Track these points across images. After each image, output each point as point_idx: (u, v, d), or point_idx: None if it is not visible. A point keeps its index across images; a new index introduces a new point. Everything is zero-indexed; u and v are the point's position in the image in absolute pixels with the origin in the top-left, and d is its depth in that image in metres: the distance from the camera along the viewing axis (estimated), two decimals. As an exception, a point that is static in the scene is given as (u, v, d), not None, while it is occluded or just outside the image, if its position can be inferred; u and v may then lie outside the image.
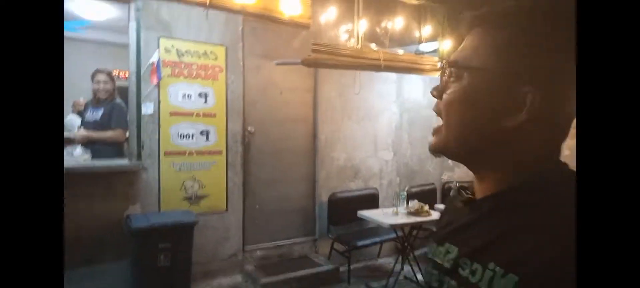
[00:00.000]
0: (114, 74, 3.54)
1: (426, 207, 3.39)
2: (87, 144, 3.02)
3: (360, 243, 3.54)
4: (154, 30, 3.14)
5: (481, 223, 0.52)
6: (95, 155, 2.97)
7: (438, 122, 0.58)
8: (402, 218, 3.26)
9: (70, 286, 2.75)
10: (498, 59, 0.50)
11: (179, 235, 2.86)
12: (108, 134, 3.13)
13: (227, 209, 3.43)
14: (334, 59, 2.74)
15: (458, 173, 5.00)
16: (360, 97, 4.21)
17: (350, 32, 3.19)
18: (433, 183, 4.70)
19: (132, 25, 3.06)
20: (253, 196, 3.61)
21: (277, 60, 3.66)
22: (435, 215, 3.47)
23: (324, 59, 2.68)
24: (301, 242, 3.84)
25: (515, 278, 0.43)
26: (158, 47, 3.15)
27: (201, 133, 3.33)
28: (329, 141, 4.01)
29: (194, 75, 3.30)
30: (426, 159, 4.75)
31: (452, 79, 0.54)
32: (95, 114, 3.19)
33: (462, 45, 0.55)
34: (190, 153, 3.28)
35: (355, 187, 4.13)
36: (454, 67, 0.53)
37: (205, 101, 3.35)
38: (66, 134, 3.42)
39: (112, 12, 4.37)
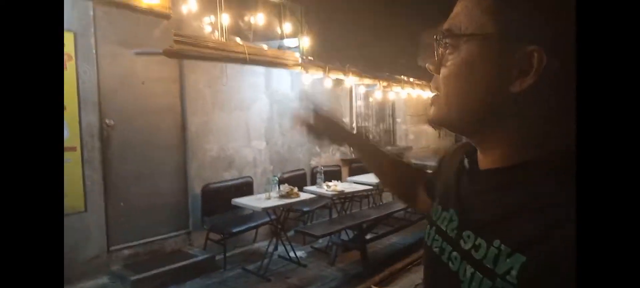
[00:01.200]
0: None
1: (295, 190, 3.68)
2: None
3: (235, 229, 3.64)
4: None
5: (486, 197, 0.50)
6: None
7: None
8: (274, 202, 3.48)
9: None
10: (495, 20, 0.46)
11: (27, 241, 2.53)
12: None
13: (85, 209, 3.15)
14: (198, 50, 2.78)
15: (324, 158, 5.49)
16: (231, 88, 4.29)
17: (214, 24, 3.25)
18: (303, 169, 5.07)
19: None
20: (116, 193, 3.38)
21: (136, 49, 3.49)
22: (304, 196, 3.80)
23: (187, 50, 2.70)
24: (173, 236, 3.76)
25: (522, 258, 0.41)
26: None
27: (48, 127, 2.98)
28: (200, 132, 3.99)
29: (34, 62, 2.93)
30: (296, 147, 5.09)
31: (448, 50, 0.50)
32: None
33: (454, 11, 0.50)
34: (35, 151, 2.91)
35: (229, 177, 4.20)
36: (448, 36, 0.49)
37: (52, 92, 3.01)
38: None
39: None
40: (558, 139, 0.45)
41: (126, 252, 3.39)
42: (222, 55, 2.97)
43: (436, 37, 0.51)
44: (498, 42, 0.46)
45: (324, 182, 4.24)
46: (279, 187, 3.69)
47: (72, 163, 3.10)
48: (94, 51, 3.26)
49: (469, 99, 0.49)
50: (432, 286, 0.58)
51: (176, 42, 2.66)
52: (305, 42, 3.74)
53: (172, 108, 3.84)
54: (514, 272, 0.41)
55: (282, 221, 3.70)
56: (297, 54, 3.80)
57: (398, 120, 6.91)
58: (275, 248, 3.83)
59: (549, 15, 0.43)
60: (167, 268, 3.24)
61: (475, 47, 0.48)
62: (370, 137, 6.42)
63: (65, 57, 3.09)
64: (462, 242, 0.50)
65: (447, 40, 0.50)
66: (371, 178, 4.65)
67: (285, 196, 3.59)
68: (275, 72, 4.80)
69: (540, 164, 0.45)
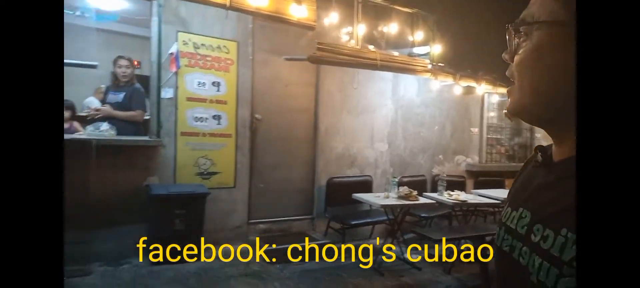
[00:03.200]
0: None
1: (415, 193, 3.74)
2: (110, 121, 3.42)
3: (354, 221, 3.90)
4: (172, 25, 3.56)
5: (557, 188, 0.50)
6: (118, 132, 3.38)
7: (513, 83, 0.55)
8: (392, 201, 3.62)
9: (96, 244, 3.15)
10: (566, 7, 0.46)
11: (193, 203, 3.25)
12: (130, 113, 3.54)
13: (234, 185, 3.82)
14: (336, 57, 3.14)
15: (448, 167, 5.36)
16: (359, 93, 4.60)
17: (351, 34, 3.58)
18: (423, 175, 5.06)
19: (154, 20, 3.47)
20: (258, 176, 4.00)
21: (285, 55, 4.07)
22: (423, 200, 3.83)
23: (327, 56, 3.08)
24: (300, 219, 4.22)
25: None
26: (176, 39, 3.56)
27: (214, 117, 3.73)
28: (329, 131, 4.39)
29: (208, 66, 3.71)
30: (418, 152, 5.12)
31: (522, 39, 0.52)
32: (117, 96, 3.59)
33: (530, 2, 0.52)
34: (204, 135, 3.68)
35: (351, 173, 4.50)
36: (522, 25, 0.51)
37: (218, 89, 3.76)
38: (87, 111, 3.82)
39: (132, 7, 4.81)
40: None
41: (261, 226, 3.97)
42: (356, 60, 3.27)
43: (509, 26, 0.52)
44: (570, 27, 0.44)
45: (446, 190, 4.18)
46: (399, 188, 3.81)
47: (228, 147, 3.80)
48: (250, 57, 3.93)
49: (542, 86, 0.49)
50: (503, 283, 0.59)
51: (319, 49, 3.05)
52: (437, 49, 3.78)
53: (307, 109, 4.33)
54: None
55: (399, 222, 3.81)
56: (427, 61, 3.88)
57: (537, 135, 6.26)
58: (390, 247, 3.95)
59: None
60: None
61: (547, 34, 0.48)
62: (502, 151, 5.98)
63: (229, 62, 3.81)
64: (532, 236, 0.50)
65: (521, 29, 0.51)
66: (500, 193, 4.38)
67: (404, 197, 3.69)
68: (403, 79, 4.94)
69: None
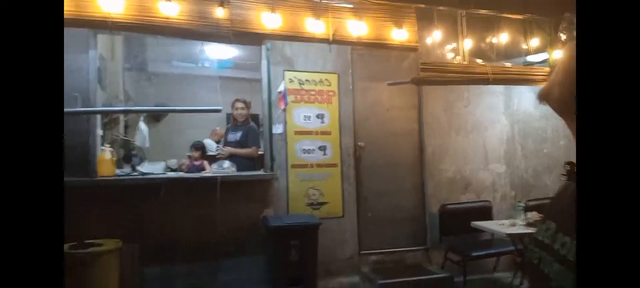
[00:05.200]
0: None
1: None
2: (231, 158, 3.73)
3: (475, 253, 3.55)
4: (280, 65, 3.80)
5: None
6: (237, 168, 3.66)
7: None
8: (520, 229, 3.21)
9: (222, 274, 3.38)
10: None
11: (307, 234, 3.30)
12: (247, 150, 3.82)
13: (343, 215, 3.81)
14: (442, 76, 2.99)
15: (584, 187, 4.62)
16: (467, 111, 4.30)
17: (456, 50, 3.41)
18: (550, 197, 4.43)
19: (264, 63, 3.76)
20: (365, 204, 3.93)
21: (388, 80, 4.04)
22: (556, 223, 3.32)
23: (432, 76, 2.95)
24: (413, 250, 3.99)
25: None
26: (284, 78, 3.79)
27: (320, 148, 3.82)
28: (436, 154, 4.16)
29: (312, 99, 3.86)
30: (543, 172, 4.53)
31: (565, 34, 0.65)
32: (235, 135, 3.93)
33: None
34: (312, 166, 3.78)
35: (466, 199, 4.16)
36: (566, 21, 0.61)
37: (322, 121, 3.86)
38: (212, 153, 4.24)
39: (244, 53, 5.31)
40: None
41: (373, 257, 3.85)
42: (465, 77, 3.08)
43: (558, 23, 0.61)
44: None
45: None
46: (526, 214, 3.38)
47: (334, 177, 3.84)
48: (351, 87, 3.98)
49: (573, 78, 0.52)
50: None
51: (423, 70, 2.95)
52: (557, 54, 3.37)
53: (411, 132, 4.19)
54: None
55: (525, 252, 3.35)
56: (547, 68, 3.47)
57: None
58: (521, 282, 3.48)
59: None
60: (409, 279, 3.48)
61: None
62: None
63: (331, 93, 3.91)
64: (555, 245, 0.53)
65: (564, 24, 0.61)
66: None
67: (533, 225, 3.24)
68: (516, 91, 4.50)
69: None
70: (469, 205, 4.05)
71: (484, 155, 4.32)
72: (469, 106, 4.26)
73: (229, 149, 3.82)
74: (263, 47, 3.75)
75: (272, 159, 3.66)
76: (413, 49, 3.09)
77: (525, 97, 4.55)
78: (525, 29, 3.37)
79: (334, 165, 3.85)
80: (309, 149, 3.79)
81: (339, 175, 3.85)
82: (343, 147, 3.88)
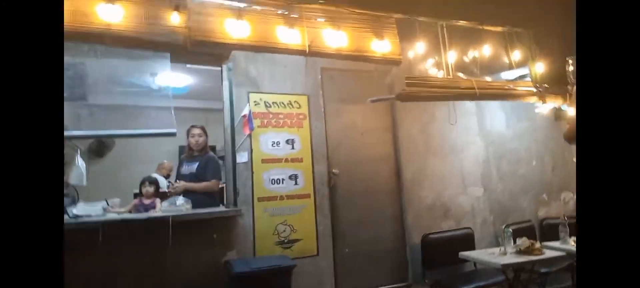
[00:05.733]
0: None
1: (538, 244, 3.05)
2: (185, 194, 3.17)
3: (462, 287, 3.24)
4: (244, 86, 3.38)
5: None
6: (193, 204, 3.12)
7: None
8: (514, 258, 2.95)
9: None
10: None
11: (278, 279, 2.83)
12: (205, 184, 3.29)
13: (318, 253, 3.37)
14: (428, 91, 2.73)
15: (555, 208, 4.55)
16: (443, 133, 4.10)
17: (438, 64, 3.18)
18: (530, 220, 4.29)
19: (225, 85, 3.31)
20: (342, 239, 3.53)
21: (364, 100, 3.74)
22: (549, 253, 3.11)
23: (417, 92, 2.68)
24: (394, 287, 3.62)
25: None
26: (248, 101, 3.36)
27: (290, 177, 3.39)
28: (415, 179, 3.88)
29: (281, 124, 3.45)
30: (518, 194, 4.40)
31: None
32: (191, 167, 3.40)
33: None
34: (281, 198, 3.33)
35: (446, 226, 3.88)
36: None
37: (292, 147, 3.45)
38: (162, 189, 3.66)
39: (198, 80, 4.82)
40: None
41: (352, 299, 3.42)
42: (451, 92, 2.85)
43: (569, 60, 0.58)
44: None
45: (570, 236, 3.41)
46: (515, 241, 3.14)
47: (307, 209, 3.41)
48: (322, 109, 3.63)
49: None
50: None
51: (408, 85, 2.68)
52: (539, 68, 3.24)
53: (387, 156, 3.89)
54: None
55: (523, 282, 3.10)
56: (530, 83, 3.34)
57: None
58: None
59: None
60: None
61: None
62: None
63: (301, 116, 3.53)
64: None
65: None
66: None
67: (525, 252, 3.01)
68: (488, 110, 4.39)
69: None
70: (451, 233, 3.78)
71: (461, 179, 4.11)
72: (442, 125, 4.06)
73: (183, 184, 3.27)
74: (224, 66, 3.31)
75: (236, 193, 3.17)
76: (396, 62, 2.82)
77: (497, 117, 4.45)
78: (506, 43, 3.23)
79: (307, 196, 3.43)
80: (278, 179, 3.35)
81: (313, 207, 3.43)
82: (316, 175, 3.49)
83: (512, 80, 3.42)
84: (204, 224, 2.99)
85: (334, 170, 3.60)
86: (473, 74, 3.18)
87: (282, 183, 3.36)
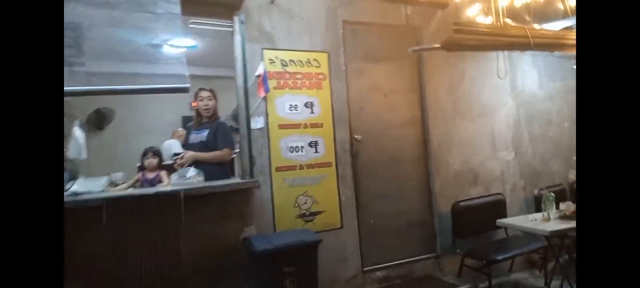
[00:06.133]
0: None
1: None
2: (196, 165, 2.87)
3: (500, 256, 3.01)
4: (257, 42, 3.00)
5: None
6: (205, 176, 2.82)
7: None
8: (560, 224, 2.70)
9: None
10: None
11: (304, 256, 2.58)
12: (217, 154, 2.98)
13: (342, 226, 3.12)
14: (476, 38, 2.36)
15: (588, 172, 4.28)
16: (472, 94, 3.75)
17: (486, 10, 2.78)
18: (561, 184, 4.03)
19: (237, 39, 2.92)
20: (366, 211, 3.26)
21: (384, 59, 3.38)
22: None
23: (466, 39, 2.32)
24: (422, 259, 3.40)
25: None
26: (262, 59, 2.99)
27: (310, 145, 3.08)
28: (442, 144, 3.57)
29: (299, 85, 3.09)
30: (550, 158, 4.11)
31: None
32: (200, 135, 3.06)
33: None
34: (301, 167, 3.03)
35: (476, 193, 3.62)
36: None
37: (312, 111, 3.12)
38: (172, 159, 3.36)
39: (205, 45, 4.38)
40: None
41: (379, 273, 3.21)
42: (502, 41, 2.48)
43: None
44: None
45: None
46: (558, 206, 2.89)
47: (329, 179, 3.12)
48: (343, 68, 3.26)
49: None
50: None
51: (456, 31, 2.31)
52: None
53: (413, 120, 3.56)
54: None
55: (566, 247, 2.88)
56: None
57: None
58: (548, 282, 3.03)
59: None
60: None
61: None
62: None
63: (321, 77, 3.17)
64: None
65: None
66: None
67: (570, 217, 2.75)
68: (521, 70, 4.02)
69: None
70: (481, 200, 3.52)
71: (491, 143, 3.81)
72: (471, 85, 3.71)
73: (192, 153, 2.95)
74: (236, 18, 2.91)
75: (252, 162, 2.87)
76: (442, 5, 2.42)
77: (529, 76, 4.10)
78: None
79: (328, 165, 3.13)
80: (297, 146, 3.04)
81: (335, 177, 3.14)
82: (338, 141, 3.17)
83: (567, 29, 3.03)
84: (219, 198, 2.70)
85: (356, 137, 3.29)
86: (524, 21, 2.79)
87: (302, 151, 3.04)
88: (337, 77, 3.22)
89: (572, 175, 4.19)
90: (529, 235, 3.17)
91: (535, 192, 3.72)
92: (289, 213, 2.95)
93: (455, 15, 2.96)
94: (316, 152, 3.09)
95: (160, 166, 3.42)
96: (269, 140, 2.95)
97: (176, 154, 3.00)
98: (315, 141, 3.10)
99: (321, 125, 3.14)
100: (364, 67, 3.40)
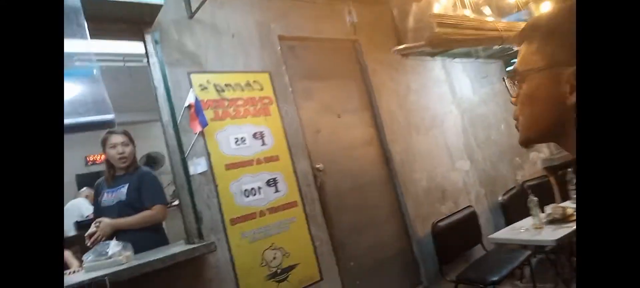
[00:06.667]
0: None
1: (570, 209, 2.63)
2: (118, 236, 2.02)
3: (495, 277, 2.68)
4: (181, 66, 2.36)
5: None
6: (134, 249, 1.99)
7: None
8: (558, 229, 2.47)
9: None
10: (543, 57, 0.61)
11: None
12: (145, 214, 2.15)
13: (321, 277, 2.50)
14: (460, 33, 2.10)
15: (528, 169, 4.38)
16: (420, 105, 3.56)
17: (456, 3, 2.56)
18: (514, 187, 4.01)
19: (154, 63, 2.25)
20: (343, 252, 2.71)
21: (328, 77, 2.98)
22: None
23: (451, 34, 2.03)
24: (412, 296, 2.93)
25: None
26: (191, 85, 2.35)
27: (268, 183, 2.46)
28: (404, 162, 3.25)
29: (242, 113, 2.50)
30: (498, 162, 4.10)
31: (518, 86, 0.65)
32: (117, 193, 2.19)
33: (518, 56, 0.66)
34: (262, 214, 2.38)
35: (447, 210, 3.33)
36: (515, 75, 0.65)
37: (263, 142, 2.53)
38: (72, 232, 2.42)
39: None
40: None
41: (372, 326, 2.62)
42: (480, 35, 2.28)
43: (504, 78, 0.71)
44: (549, 71, 0.59)
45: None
46: (543, 211, 2.71)
47: (297, 223, 2.51)
48: (290, 89, 2.78)
49: (539, 117, 0.63)
50: None
51: (439, 25, 2.01)
52: (545, 7, 2.87)
53: (371, 139, 3.19)
54: None
55: (569, 254, 2.67)
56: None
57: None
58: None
59: (571, 43, 0.54)
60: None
61: (533, 79, 0.62)
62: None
63: (266, 101, 2.63)
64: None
65: (516, 78, 0.65)
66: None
67: (560, 220, 2.57)
68: (456, 76, 4.01)
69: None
70: (457, 216, 3.23)
71: (448, 153, 3.62)
72: (416, 97, 3.53)
73: (110, 221, 2.08)
74: (148, 37, 2.26)
75: (198, 218, 2.13)
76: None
77: (464, 83, 4.11)
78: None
79: (293, 205, 2.53)
80: (252, 188, 2.39)
81: (303, 219, 2.55)
82: (299, 175, 2.61)
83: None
84: (161, 277, 1.89)
85: (318, 166, 2.77)
86: (481, 14, 2.67)
87: (259, 193, 2.41)
88: (284, 100, 2.72)
89: (518, 176, 4.23)
90: (510, 247, 2.96)
91: (500, 199, 3.59)
92: (256, 276, 2.24)
93: (422, 14, 2.73)
94: (276, 191, 2.48)
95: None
96: (216, 185, 2.26)
97: (81, 221, 2.10)
98: (274, 178, 2.50)
99: (277, 158, 2.56)
100: (311, 87, 2.96)
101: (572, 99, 0.56)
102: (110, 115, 1.49)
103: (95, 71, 1.59)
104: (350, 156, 2.99)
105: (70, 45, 1.71)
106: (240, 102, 2.51)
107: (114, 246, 1.85)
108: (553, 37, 0.59)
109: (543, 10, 3.02)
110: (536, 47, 0.61)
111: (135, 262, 1.82)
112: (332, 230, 2.68)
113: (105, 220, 2.05)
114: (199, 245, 1.99)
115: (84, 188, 3.78)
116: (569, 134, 0.58)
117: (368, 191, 3.00)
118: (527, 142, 0.66)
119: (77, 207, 3.09)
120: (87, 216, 3.03)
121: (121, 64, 2.74)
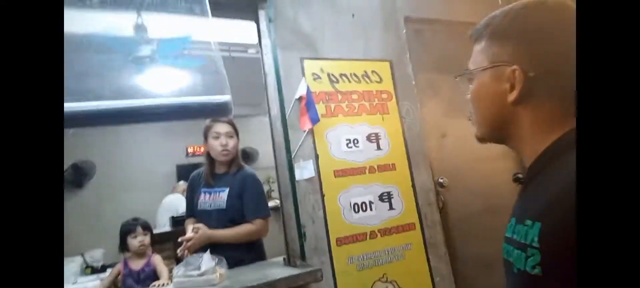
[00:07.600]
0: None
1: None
2: (213, 249, 1.72)
3: None
4: (294, 49, 2.00)
5: (524, 193, 0.64)
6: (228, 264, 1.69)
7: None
8: None
9: None
10: (486, 56, 0.66)
11: None
12: (245, 229, 1.83)
13: (440, 324, 2.00)
14: None
15: None
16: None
17: None
18: None
19: (266, 45, 1.91)
20: (467, 290, 2.16)
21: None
22: None
23: None
24: None
25: (539, 224, 0.53)
26: (303, 74, 1.98)
27: (381, 198, 2.02)
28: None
29: (356, 110, 2.08)
30: None
31: (469, 84, 0.70)
32: (217, 197, 1.90)
33: (471, 57, 0.70)
34: (373, 235, 1.95)
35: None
36: (464, 74, 0.71)
37: (378, 146, 2.08)
38: (160, 230, 2.25)
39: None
40: (558, 134, 0.60)
41: None
42: None
43: (457, 77, 0.75)
44: (491, 69, 0.65)
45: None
46: None
47: (413, 251, 2.03)
48: (413, 82, 2.27)
49: (484, 115, 0.69)
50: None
51: None
52: None
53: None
54: (536, 238, 0.53)
55: None
56: None
57: None
58: None
59: (527, 44, 0.61)
60: None
61: (479, 77, 0.68)
62: None
63: (385, 96, 2.16)
64: (514, 236, 0.60)
65: (466, 77, 0.71)
66: None
67: None
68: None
69: (547, 152, 0.61)
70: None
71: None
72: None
73: (206, 232, 1.80)
74: (261, 14, 1.93)
75: (302, 236, 1.77)
76: None
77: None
78: None
79: (410, 227, 2.06)
80: (363, 203, 1.97)
81: (421, 246, 2.06)
82: (418, 190, 2.11)
83: None
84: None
85: (441, 180, 2.24)
86: None
87: (371, 209, 1.97)
88: (405, 95, 2.23)
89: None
90: None
91: None
92: (363, 313, 1.83)
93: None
94: (391, 208, 2.03)
95: (153, 241, 2.27)
96: (322, 195, 1.88)
97: (177, 217, 1.88)
98: (388, 192, 2.04)
99: (393, 167, 2.09)
100: (437, 80, 2.42)
101: (512, 97, 0.61)
102: (227, 96, 1.21)
103: (213, 51, 1.32)
104: (481, 170, 2.40)
105: (191, 23, 1.51)
106: (354, 96, 2.09)
107: (207, 261, 1.57)
108: (497, 37, 0.65)
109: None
110: (482, 46, 0.67)
111: (227, 283, 1.52)
112: (456, 264, 2.14)
113: (202, 229, 1.79)
114: (303, 271, 1.62)
115: (181, 182, 3.75)
116: (513, 135, 0.65)
117: (503, 216, 2.37)
118: (481, 139, 0.72)
119: (175, 204, 3.02)
120: (182, 213, 2.92)
121: (226, 54, 2.50)
